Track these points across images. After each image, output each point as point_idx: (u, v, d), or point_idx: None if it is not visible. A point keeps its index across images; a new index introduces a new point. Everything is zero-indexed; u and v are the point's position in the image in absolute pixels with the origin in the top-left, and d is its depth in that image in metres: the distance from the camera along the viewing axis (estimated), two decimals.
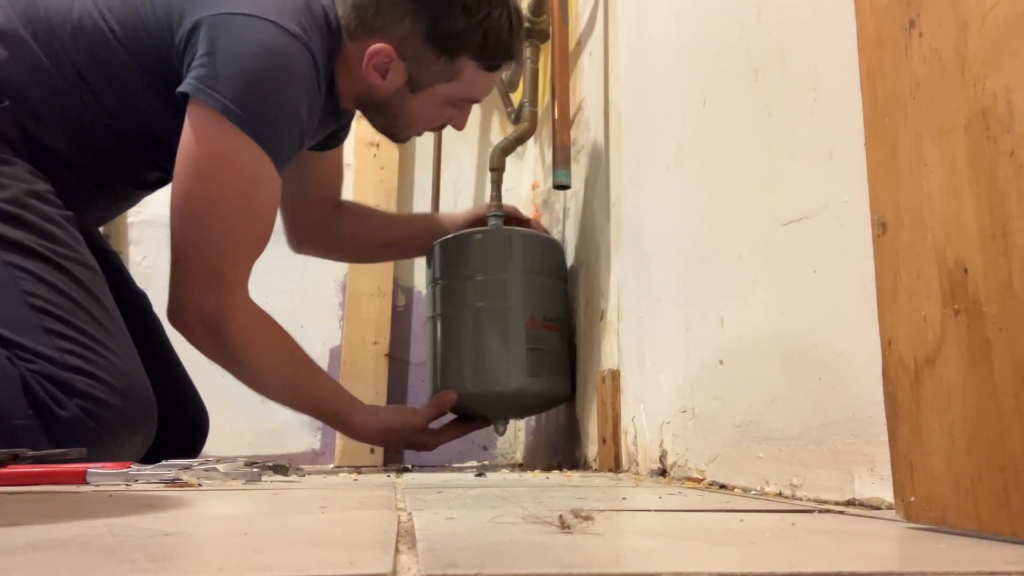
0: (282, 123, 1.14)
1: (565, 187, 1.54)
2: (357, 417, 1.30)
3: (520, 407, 1.43)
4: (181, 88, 1.11)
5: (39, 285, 1.06)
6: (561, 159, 1.50)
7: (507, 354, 1.37)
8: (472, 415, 1.43)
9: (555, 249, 1.50)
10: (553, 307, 1.44)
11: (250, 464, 0.94)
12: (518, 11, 1.30)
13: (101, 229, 1.47)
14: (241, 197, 1.13)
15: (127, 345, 1.12)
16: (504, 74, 1.96)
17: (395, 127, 1.34)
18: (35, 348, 1.03)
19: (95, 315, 1.09)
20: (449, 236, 1.47)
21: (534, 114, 1.67)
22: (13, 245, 1.07)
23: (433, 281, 1.46)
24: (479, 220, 1.51)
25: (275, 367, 1.22)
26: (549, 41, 1.62)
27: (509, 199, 1.55)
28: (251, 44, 1.10)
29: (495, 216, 1.47)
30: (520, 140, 1.63)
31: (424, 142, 2.25)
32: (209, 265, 1.13)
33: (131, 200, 1.38)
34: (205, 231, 1.13)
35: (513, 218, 1.51)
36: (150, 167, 1.27)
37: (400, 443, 1.35)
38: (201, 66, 1.10)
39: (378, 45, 1.21)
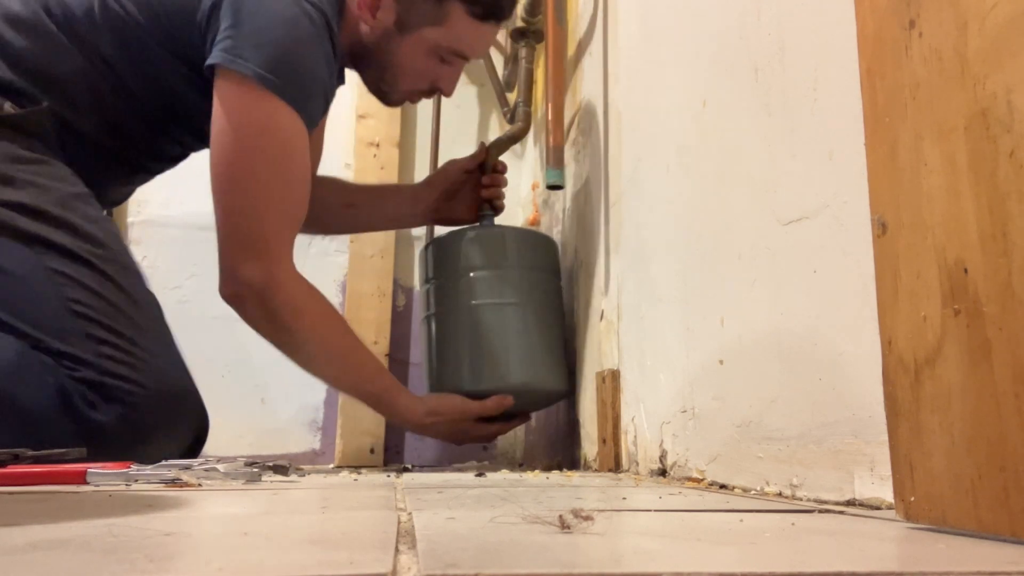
0: (311, 87, 1.16)
1: (558, 187, 1.54)
2: (402, 399, 1.28)
3: (519, 404, 1.42)
4: (209, 61, 1.13)
5: (81, 291, 1.09)
6: (554, 159, 1.50)
7: (505, 351, 1.37)
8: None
9: (548, 245, 1.50)
10: (549, 303, 1.44)
11: (250, 464, 0.94)
12: None
13: None
14: (280, 161, 1.14)
15: (166, 342, 1.15)
16: (501, 74, 1.97)
17: (384, 81, 1.33)
18: (80, 356, 1.07)
19: (134, 318, 1.12)
20: (441, 235, 1.47)
21: (528, 114, 1.67)
22: (56, 249, 1.11)
23: (427, 280, 1.46)
24: (447, 175, 1.48)
25: (325, 338, 1.21)
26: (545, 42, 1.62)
27: (508, 199, 1.55)
28: (273, 14, 1.12)
29: (487, 215, 1.47)
30: (514, 139, 1.63)
31: (423, 143, 2.25)
32: (255, 233, 1.14)
33: (152, 174, 1.40)
34: (248, 199, 1.13)
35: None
36: (173, 142, 1.31)
37: (445, 430, 1.32)
38: (227, 38, 1.12)
39: None
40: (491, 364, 1.36)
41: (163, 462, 0.91)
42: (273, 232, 1.15)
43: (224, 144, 1.13)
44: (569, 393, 1.48)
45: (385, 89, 1.35)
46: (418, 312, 2.18)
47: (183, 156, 1.35)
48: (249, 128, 1.12)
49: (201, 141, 1.29)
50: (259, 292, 1.14)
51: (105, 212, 1.29)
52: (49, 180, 1.14)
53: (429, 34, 1.26)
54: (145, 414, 1.07)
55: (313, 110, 1.16)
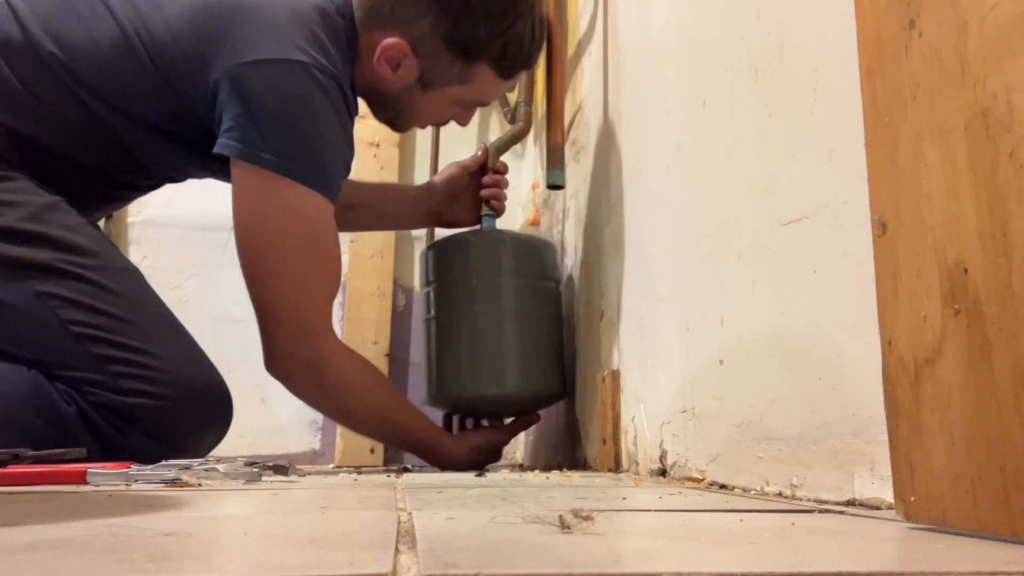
0: (331, 163, 1.14)
1: (559, 187, 1.53)
2: (445, 444, 1.31)
3: (516, 408, 1.43)
4: (223, 151, 1.10)
5: (77, 310, 1.06)
6: (554, 159, 1.50)
7: (502, 356, 1.38)
8: (472, 416, 1.44)
9: (548, 250, 1.50)
10: (546, 309, 1.44)
11: (250, 464, 0.94)
12: (543, 21, 1.27)
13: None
14: (310, 246, 1.14)
15: (177, 337, 1.13)
16: None
17: (399, 120, 1.32)
18: (93, 378, 1.05)
19: (138, 323, 1.09)
20: (443, 239, 1.47)
21: (529, 114, 1.67)
22: (41, 269, 1.06)
23: (427, 283, 1.47)
24: (449, 178, 1.48)
25: (373, 406, 1.24)
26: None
27: (509, 199, 1.55)
28: (282, 94, 1.09)
29: (488, 216, 1.47)
30: (515, 139, 1.63)
31: (423, 143, 2.25)
32: (296, 318, 1.14)
33: (124, 202, 1.40)
34: (284, 287, 1.13)
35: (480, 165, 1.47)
36: (149, 177, 1.28)
37: (484, 461, 1.37)
38: (239, 127, 1.08)
39: (393, 39, 1.19)
40: (490, 370, 1.38)
41: (163, 462, 0.91)
42: (315, 313, 1.15)
43: (252, 236, 1.12)
44: (564, 395, 1.49)
45: (398, 125, 1.35)
46: (418, 312, 2.19)
47: (157, 186, 1.32)
48: (276, 220, 1.11)
49: (179, 173, 1.29)
50: (308, 371, 1.15)
51: (105, 217, 1.28)
52: (15, 195, 1.09)
53: (453, 91, 1.25)
54: (171, 425, 1.07)
55: (335, 183, 1.15)
